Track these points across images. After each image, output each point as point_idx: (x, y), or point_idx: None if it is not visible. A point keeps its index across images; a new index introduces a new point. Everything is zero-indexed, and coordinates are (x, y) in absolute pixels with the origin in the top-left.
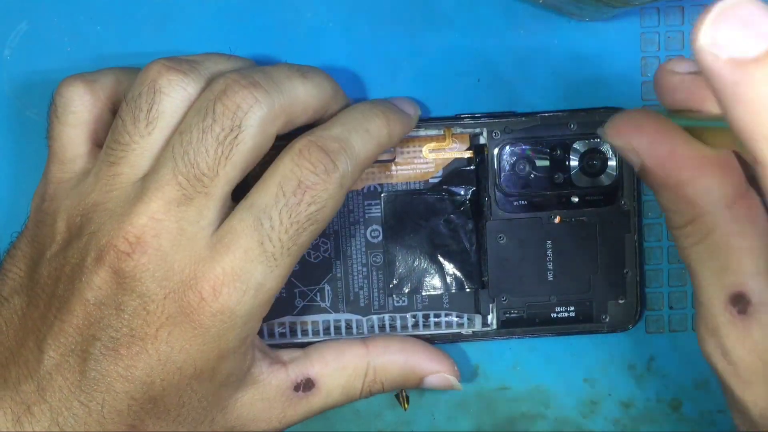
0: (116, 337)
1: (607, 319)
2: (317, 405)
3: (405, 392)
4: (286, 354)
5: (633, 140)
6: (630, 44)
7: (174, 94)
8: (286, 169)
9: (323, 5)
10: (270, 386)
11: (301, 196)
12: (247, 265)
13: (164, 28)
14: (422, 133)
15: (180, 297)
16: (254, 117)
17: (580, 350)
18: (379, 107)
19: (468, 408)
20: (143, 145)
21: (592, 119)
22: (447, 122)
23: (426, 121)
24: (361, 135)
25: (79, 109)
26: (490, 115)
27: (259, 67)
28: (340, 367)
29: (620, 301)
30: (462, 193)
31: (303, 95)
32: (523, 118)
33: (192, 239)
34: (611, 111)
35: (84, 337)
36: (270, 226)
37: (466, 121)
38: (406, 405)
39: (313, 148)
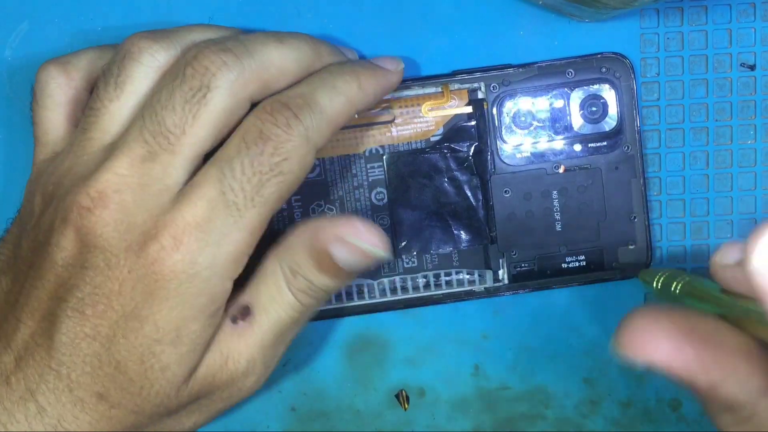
0: (81, 297)
1: (619, 266)
2: (266, 326)
3: (405, 392)
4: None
5: (651, 354)
6: (630, 45)
7: (143, 60)
8: (249, 123)
9: (323, 5)
10: (218, 333)
11: (262, 146)
12: (209, 213)
13: (164, 28)
14: (420, 91)
15: (141, 248)
16: (222, 79)
17: (580, 350)
18: (351, 65)
19: (468, 408)
20: (112, 109)
21: (590, 65)
22: (444, 79)
23: (423, 79)
24: (328, 91)
25: (55, 92)
26: (487, 69)
27: (234, 35)
28: (262, 279)
29: (630, 247)
30: (464, 149)
31: (278, 59)
32: (521, 69)
33: (156, 195)
34: (607, 56)
35: (54, 300)
36: (232, 176)
37: (464, 76)
38: (406, 405)
39: (276, 104)
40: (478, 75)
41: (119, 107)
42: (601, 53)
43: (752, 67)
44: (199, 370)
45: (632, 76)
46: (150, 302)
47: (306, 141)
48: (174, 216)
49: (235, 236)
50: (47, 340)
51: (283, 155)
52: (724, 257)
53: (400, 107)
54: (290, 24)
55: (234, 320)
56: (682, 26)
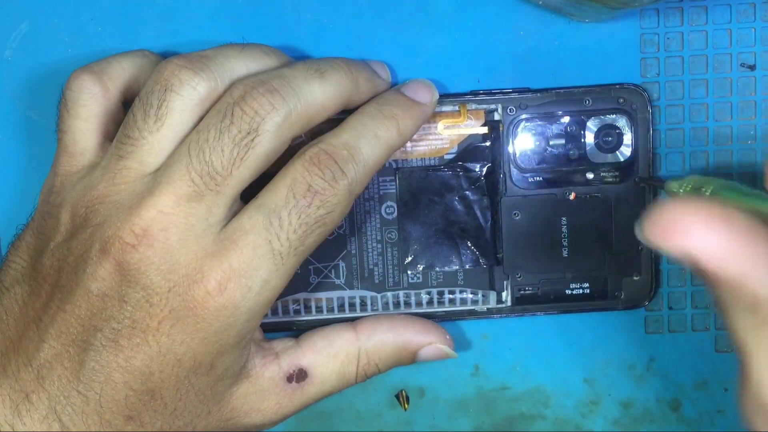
0: (118, 328)
1: (622, 296)
2: (312, 394)
3: (405, 392)
4: (278, 344)
5: (682, 243)
6: (630, 45)
7: (184, 93)
8: (297, 173)
9: (323, 5)
10: (263, 379)
11: (310, 199)
12: (254, 261)
13: (164, 28)
14: (437, 109)
15: (184, 291)
16: (271, 122)
17: (580, 350)
18: (390, 108)
19: (468, 408)
20: (152, 141)
21: (608, 95)
22: (462, 98)
23: (441, 97)
24: (370, 140)
25: (88, 102)
26: (505, 91)
27: (277, 70)
28: (332, 354)
29: (635, 278)
30: (477, 169)
31: (321, 97)
32: (538, 94)
33: (200, 235)
34: (625, 87)
35: (85, 327)
36: (279, 225)
37: (482, 97)
38: (406, 405)
39: (323, 156)
40: (496, 96)
41: (159, 139)
42: (620, 84)
43: (752, 67)
44: (234, 401)
45: (649, 109)
46: (189, 340)
47: (349, 193)
48: (221, 261)
49: (275, 283)
50: (75, 365)
51: (329, 208)
52: None
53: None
54: (290, 24)
55: (290, 379)
56: (682, 26)
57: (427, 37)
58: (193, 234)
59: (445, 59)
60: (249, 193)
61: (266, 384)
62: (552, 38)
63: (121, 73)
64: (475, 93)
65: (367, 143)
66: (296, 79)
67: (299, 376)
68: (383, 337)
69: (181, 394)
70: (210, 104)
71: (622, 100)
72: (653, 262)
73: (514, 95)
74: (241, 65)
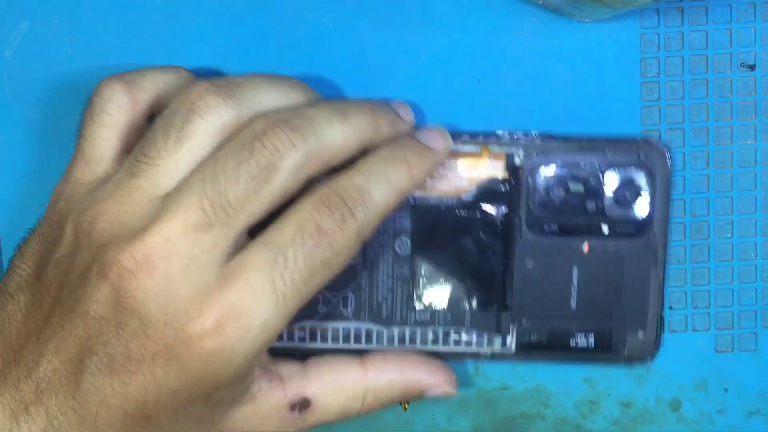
0: (113, 354)
1: (626, 352)
2: (312, 423)
3: None
4: (284, 369)
5: None
6: (630, 45)
7: (209, 118)
8: (306, 213)
9: (323, 5)
10: (266, 404)
11: (318, 239)
12: (255, 301)
13: (165, 28)
14: (459, 148)
15: (181, 326)
16: (290, 160)
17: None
18: (403, 152)
19: (468, 408)
20: (168, 162)
21: (630, 148)
22: (483, 140)
23: (462, 136)
24: (381, 184)
25: (116, 111)
26: (529, 137)
27: (301, 109)
28: (337, 389)
29: (639, 336)
30: (494, 212)
31: (341, 141)
32: (562, 143)
33: (202, 268)
34: (650, 143)
35: (82, 348)
36: (284, 265)
37: (504, 139)
38: (405, 405)
39: (333, 197)
40: (518, 140)
41: (176, 162)
42: (644, 138)
43: (752, 67)
44: (235, 423)
45: (669, 169)
46: (183, 376)
47: (357, 236)
48: (220, 298)
49: (275, 324)
50: (72, 384)
51: (336, 250)
52: None
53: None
54: (290, 24)
55: (293, 408)
56: (682, 26)
57: (427, 37)
58: (196, 266)
59: (446, 59)
60: (256, 232)
61: (269, 410)
62: (552, 38)
63: (152, 86)
64: (497, 135)
65: (378, 187)
66: (319, 120)
67: (303, 405)
68: (392, 377)
69: (178, 418)
70: (232, 133)
71: (644, 157)
72: (659, 322)
73: (537, 141)
74: (269, 97)
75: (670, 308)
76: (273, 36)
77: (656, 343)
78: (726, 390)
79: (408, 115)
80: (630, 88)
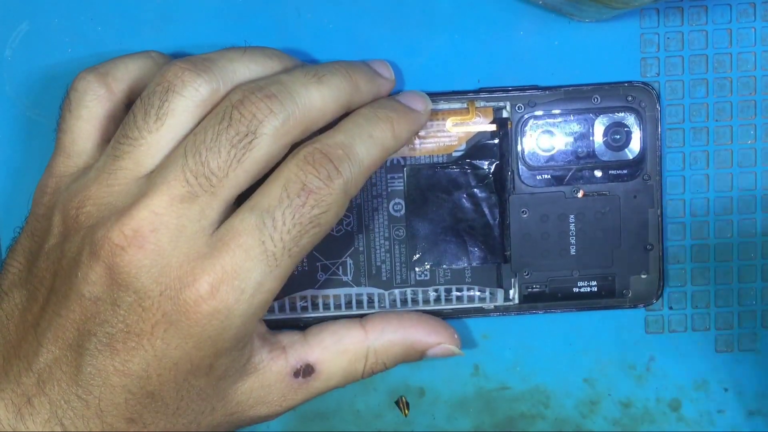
0: (112, 332)
1: (630, 294)
2: (317, 389)
3: (405, 399)
4: (285, 338)
5: None
6: (630, 45)
7: (186, 93)
8: (291, 173)
9: (324, 5)
10: (270, 373)
11: (305, 198)
12: (247, 263)
13: (164, 28)
14: (445, 106)
15: (176, 294)
16: (269, 126)
17: (580, 350)
18: (385, 111)
19: (468, 408)
20: (150, 141)
21: (616, 93)
22: (470, 96)
23: (449, 94)
24: (365, 141)
25: (93, 103)
26: (514, 89)
27: (275, 76)
28: (340, 351)
29: (642, 276)
30: (485, 166)
31: (319, 102)
32: (547, 92)
33: (192, 237)
34: (634, 85)
35: (80, 332)
36: (272, 226)
37: (490, 94)
38: (406, 411)
39: (318, 155)
40: (504, 94)
41: (157, 140)
42: (629, 82)
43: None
44: (239, 396)
45: (657, 106)
46: (183, 344)
47: (344, 193)
48: (212, 263)
49: (269, 285)
50: (73, 369)
51: (324, 208)
52: None
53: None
54: (291, 24)
55: (296, 374)
56: (682, 26)
57: (427, 37)
58: (184, 236)
59: (446, 59)
60: (242, 199)
61: (273, 378)
62: (552, 38)
63: (127, 75)
64: (484, 90)
65: (362, 143)
66: (294, 84)
67: (306, 371)
68: (392, 337)
69: (182, 394)
70: (211, 107)
71: (630, 98)
72: (661, 260)
73: (523, 93)
74: (244, 68)
75: (671, 308)
76: (273, 36)
77: (660, 284)
78: (726, 390)
79: (387, 72)
80: None
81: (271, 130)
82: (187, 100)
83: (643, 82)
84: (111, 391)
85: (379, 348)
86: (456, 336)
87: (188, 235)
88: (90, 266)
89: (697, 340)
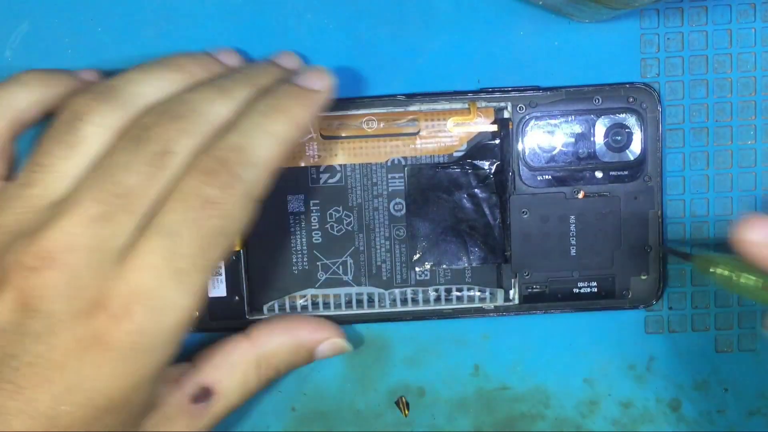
0: (17, 366)
1: (630, 295)
2: (219, 410)
3: (404, 399)
4: (176, 370)
5: None
6: (630, 45)
7: (96, 121)
8: (189, 187)
9: (323, 5)
10: (170, 407)
11: (208, 211)
12: (156, 282)
13: (164, 28)
14: (447, 106)
15: (90, 317)
16: (183, 146)
17: (580, 350)
18: (280, 101)
19: (468, 408)
20: (61, 167)
21: (617, 94)
22: (471, 96)
23: (450, 94)
24: (263, 139)
25: None
26: (516, 89)
27: (182, 95)
28: (230, 366)
29: (643, 277)
30: (486, 167)
31: (226, 114)
32: (548, 92)
33: (105, 257)
34: (635, 86)
35: None
36: (179, 243)
37: (492, 94)
38: (406, 411)
39: (213, 164)
40: (505, 95)
41: (69, 168)
42: (630, 83)
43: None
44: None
45: (659, 108)
46: (96, 373)
47: (247, 197)
48: (125, 283)
49: (181, 303)
50: None
51: (228, 217)
52: (751, 233)
53: (426, 120)
54: (291, 24)
55: (195, 400)
56: (682, 26)
57: (427, 38)
58: (99, 256)
59: (446, 60)
60: None
61: (173, 411)
62: (552, 38)
63: (8, 111)
64: (484, 90)
65: (259, 141)
66: (201, 102)
67: (204, 394)
68: (278, 340)
69: None
70: (120, 133)
71: (631, 99)
72: (661, 261)
73: (524, 93)
74: (151, 88)
75: (671, 308)
76: (273, 36)
77: (660, 285)
78: (726, 390)
79: (292, 62)
80: None
81: (185, 149)
82: (97, 128)
83: (644, 83)
84: None
85: (268, 353)
86: (341, 331)
87: (102, 253)
88: (1, 292)
89: (697, 340)
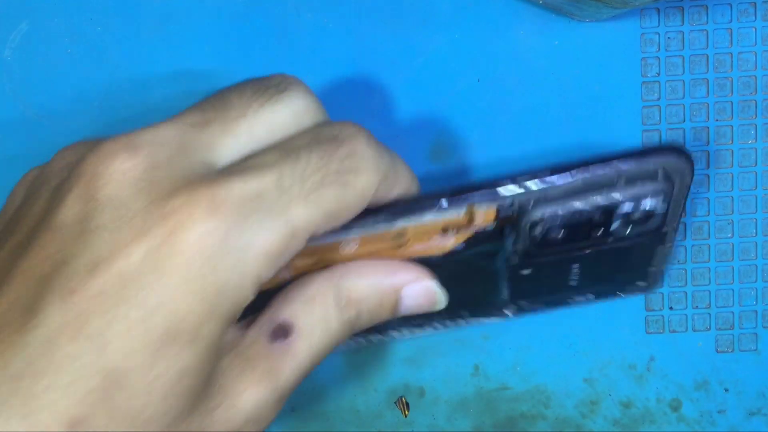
0: (68, 275)
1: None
2: (303, 353)
3: (404, 399)
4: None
5: None
6: (630, 45)
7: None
8: (323, 128)
9: (323, 5)
10: (245, 346)
11: (337, 147)
12: (257, 194)
13: (164, 28)
14: (440, 215)
15: (163, 212)
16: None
17: (580, 350)
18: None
19: (468, 408)
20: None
21: (646, 168)
22: (472, 196)
23: (441, 201)
24: (397, 164)
25: None
26: (521, 184)
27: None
28: (308, 299)
29: (641, 285)
30: (488, 251)
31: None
32: (561, 185)
33: (195, 162)
34: (669, 153)
35: (37, 279)
36: (294, 162)
37: (492, 194)
38: (406, 412)
39: (342, 148)
40: (511, 191)
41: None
42: (661, 145)
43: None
44: (222, 378)
45: (690, 179)
46: (163, 286)
47: (377, 169)
48: (217, 185)
49: (277, 228)
50: (16, 333)
51: (355, 163)
52: None
53: (416, 233)
54: (290, 24)
55: (274, 337)
56: (682, 26)
57: (426, 37)
58: (187, 158)
59: (445, 59)
60: None
61: (250, 350)
62: (552, 38)
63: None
64: (483, 185)
65: (398, 164)
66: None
67: (283, 331)
68: (359, 272)
69: (154, 376)
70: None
71: (662, 172)
72: (660, 273)
73: (534, 186)
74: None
75: (671, 308)
76: (273, 36)
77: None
78: (726, 390)
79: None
80: (630, 88)
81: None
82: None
83: (678, 148)
84: (56, 366)
85: (351, 286)
86: (434, 276)
87: (192, 159)
88: (69, 186)
89: (697, 340)
